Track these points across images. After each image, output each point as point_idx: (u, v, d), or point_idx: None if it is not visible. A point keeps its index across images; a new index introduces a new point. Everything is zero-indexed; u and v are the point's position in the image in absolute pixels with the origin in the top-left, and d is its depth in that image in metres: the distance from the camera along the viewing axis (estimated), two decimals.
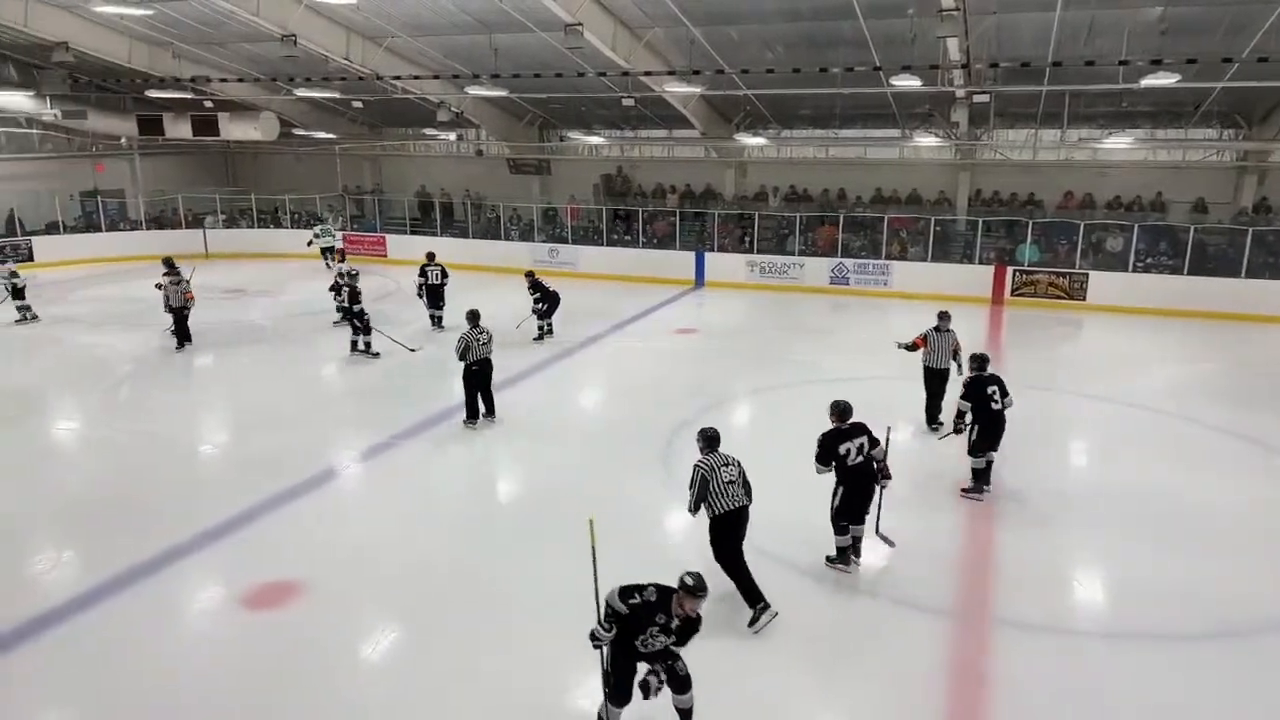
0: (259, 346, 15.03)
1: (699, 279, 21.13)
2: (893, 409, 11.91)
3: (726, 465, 6.54)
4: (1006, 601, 7.06)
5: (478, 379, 10.76)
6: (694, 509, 6.52)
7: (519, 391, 12.53)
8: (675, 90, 18.31)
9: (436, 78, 19.78)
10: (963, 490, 8.85)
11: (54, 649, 6.26)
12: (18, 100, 21.47)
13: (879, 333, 16.50)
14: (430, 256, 16.31)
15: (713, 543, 6.63)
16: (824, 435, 7.28)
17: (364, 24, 17.99)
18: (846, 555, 7.39)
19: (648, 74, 17.59)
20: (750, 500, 6.63)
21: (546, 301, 15.20)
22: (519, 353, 14.36)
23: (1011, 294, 18.99)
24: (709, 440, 6.63)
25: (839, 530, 7.35)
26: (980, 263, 19.56)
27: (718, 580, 6.34)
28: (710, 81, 18.06)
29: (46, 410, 11.85)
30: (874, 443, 7.27)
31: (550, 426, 11.16)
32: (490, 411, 11.00)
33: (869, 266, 20.05)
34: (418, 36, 18.50)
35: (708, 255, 21.29)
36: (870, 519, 7.52)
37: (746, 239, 21.69)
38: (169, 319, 14.73)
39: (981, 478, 8.77)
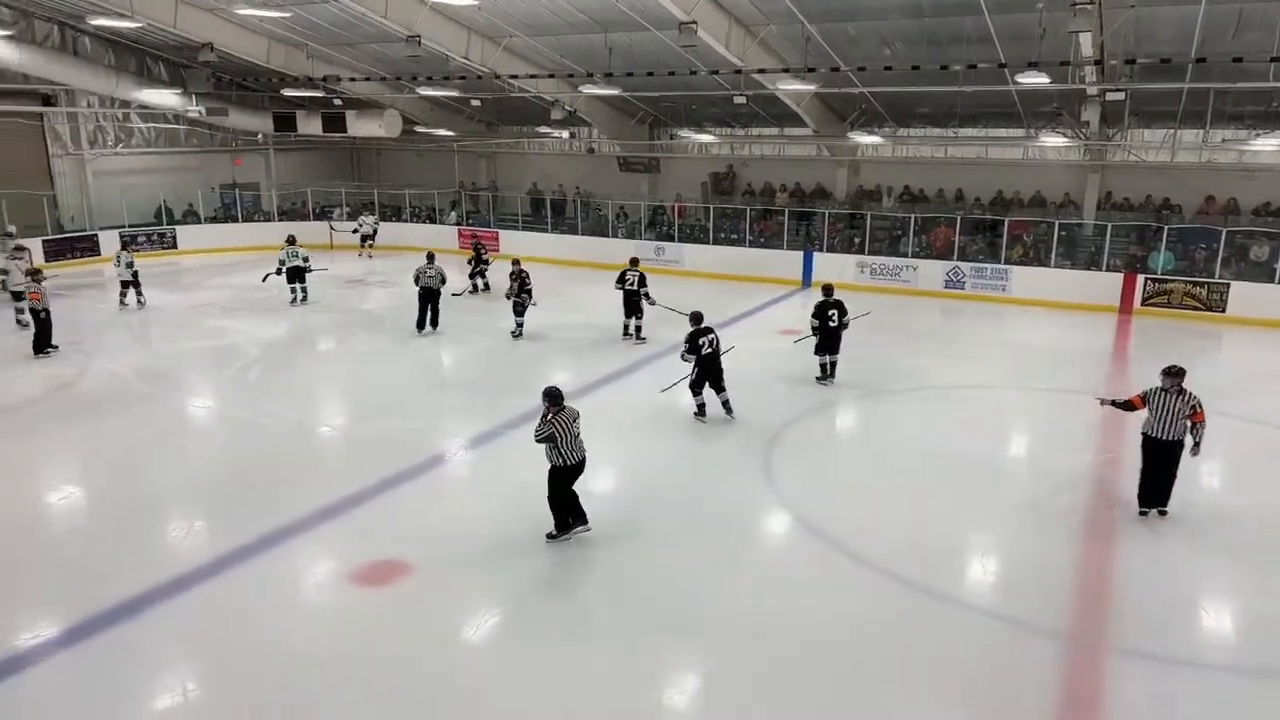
0: (377, 335, 15.64)
1: (806, 279, 20.80)
2: (1003, 419, 11.51)
3: (575, 420, 7.56)
4: (1126, 628, 6.68)
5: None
6: (539, 440, 7.59)
7: (620, 388, 12.63)
8: (789, 88, 18.06)
9: (552, 76, 20.13)
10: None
11: (183, 613, 6.69)
12: (167, 98, 23.07)
13: (994, 339, 15.91)
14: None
15: (552, 487, 7.63)
16: (690, 334, 10.74)
17: (484, 24, 18.47)
18: (702, 412, 10.92)
19: (761, 72, 17.42)
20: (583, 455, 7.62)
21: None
22: (621, 351, 14.46)
23: (1142, 303, 17.91)
24: (554, 398, 7.55)
25: (695, 394, 10.94)
26: (1108, 270, 18.55)
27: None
28: (825, 79, 17.74)
29: (183, 389, 12.67)
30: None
31: (650, 423, 11.19)
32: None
33: (986, 271, 19.30)
34: (535, 36, 18.87)
35: (816, 255, 20.94)
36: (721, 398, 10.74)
37: (857, 239, 21.22)
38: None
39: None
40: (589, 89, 19.90)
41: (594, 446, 10.29)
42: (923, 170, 22.35)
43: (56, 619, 6.53)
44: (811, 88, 18.24)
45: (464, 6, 16.60)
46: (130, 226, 23.50)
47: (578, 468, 7.68)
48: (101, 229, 23.17)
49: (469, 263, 19.22)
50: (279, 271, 17.77)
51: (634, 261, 15.33)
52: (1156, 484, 8.17)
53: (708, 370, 10.77)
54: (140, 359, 14.02)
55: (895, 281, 19.97)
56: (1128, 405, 8.29)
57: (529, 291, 15.13)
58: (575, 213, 25.20)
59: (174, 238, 24.30)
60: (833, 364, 12.61)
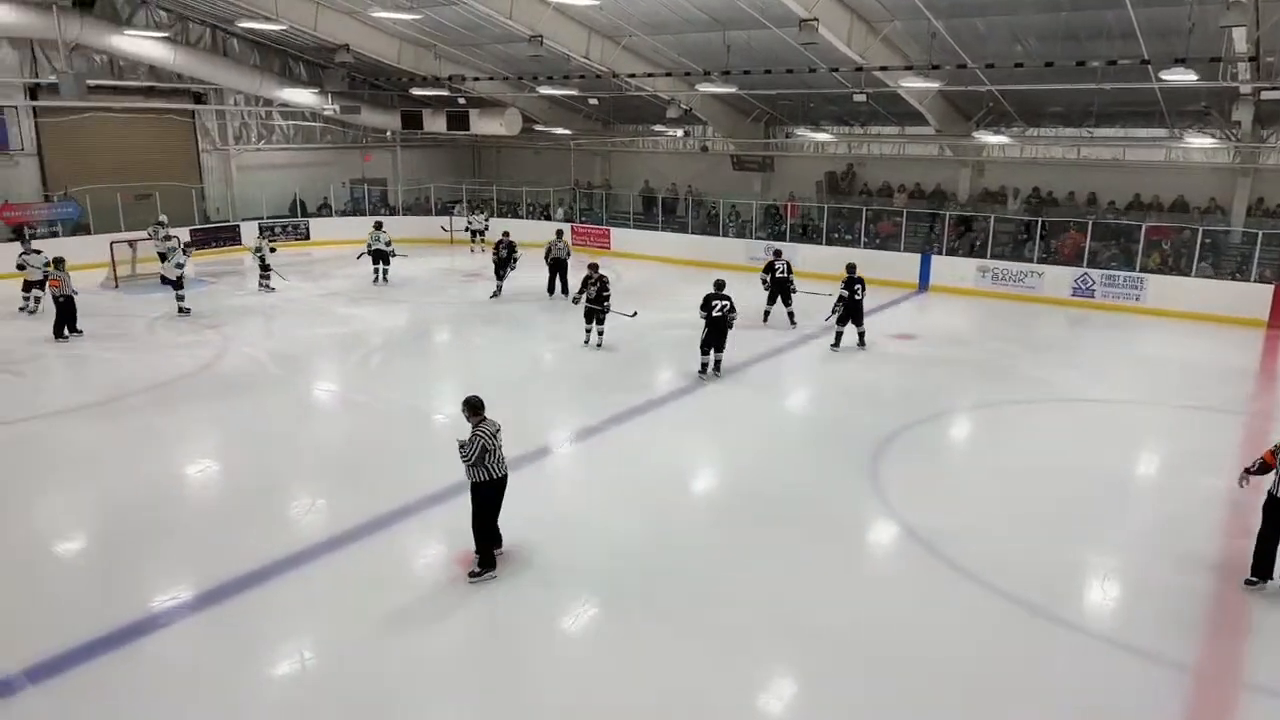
0: (492, 326, 16.07)
1: (923, 282, 20.17)
2: (1132, 436, 10.85)
3: (498, 434, 7.02)
4: (1260, 664, 6.20)
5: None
6: (468, 467, 7.04)
7: (729, 384, 12.58)
8: (911, 86, 17.54)
9: (669, 75, 20.19)
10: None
11: (302, 584, 7.05)
12: (306, 97, 24.41)
13: (1125, 351, 15.04)
14: (560, 234, 18.83)
15: (476, 506, 7.06)
16: (706, 296, 12.37)
17: (604, 23, 18.69)
18: (705, 371, 12.48)
19: (882, 69, 16.98)
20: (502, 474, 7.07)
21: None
22: (733, 346, 14.35)
23: None
24: (474, 408, 7.05)
25: (703, 353, 12.50)
26: (1258, 280, 17.22)
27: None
28: (950, 76, 17.14)
29: (311, 373, 13.35)
30: (732, 306, 12.37)
31: (757, 424, 11.11)
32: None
33: (1119, 279, 18.23)
34: (654, 34, 18.96)
35: (934, 258, 20.27)
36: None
37: (979, 242, 20.43)
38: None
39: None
40: (706, 87, 19.87)
41: (697, 443, 10.38)
42: (1052, 172, 21.31)
43: (189, 583, 7.00)
44: (936, 85, 17.65)
45: (586, 6, 16.84)
46: (268, 218, 24.96)
47: (504, 483, 7.17)
48: (243, 220, 24.69)
49: (493, 259, 18.64)
50: (367, 251, 19.87)
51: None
52: (1267, 545, 6.98)
53: (714, 332, 12.37)
54: (273, 343, 14.85)
55: (1019, 288, 19.13)
56: (1263, 468, 7.00)
57: (515, 259, 17.86)
58: (686, 211, 25.21)
59: (307, 229, 25.63)
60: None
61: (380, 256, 19.85)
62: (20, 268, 16.28)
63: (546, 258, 18.75)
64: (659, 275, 20.73)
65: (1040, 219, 19.83)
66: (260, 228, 22.94)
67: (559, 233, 19.31)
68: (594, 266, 14.41)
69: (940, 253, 20.47)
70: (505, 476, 7.17)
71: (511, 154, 31.12)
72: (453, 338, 15.64)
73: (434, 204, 28.13)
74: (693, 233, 24.32)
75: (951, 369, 13.68)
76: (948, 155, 22.50)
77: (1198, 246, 17.84)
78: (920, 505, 8.61)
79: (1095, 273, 18.44)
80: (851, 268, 14.58)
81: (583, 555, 7.59)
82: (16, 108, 20.62)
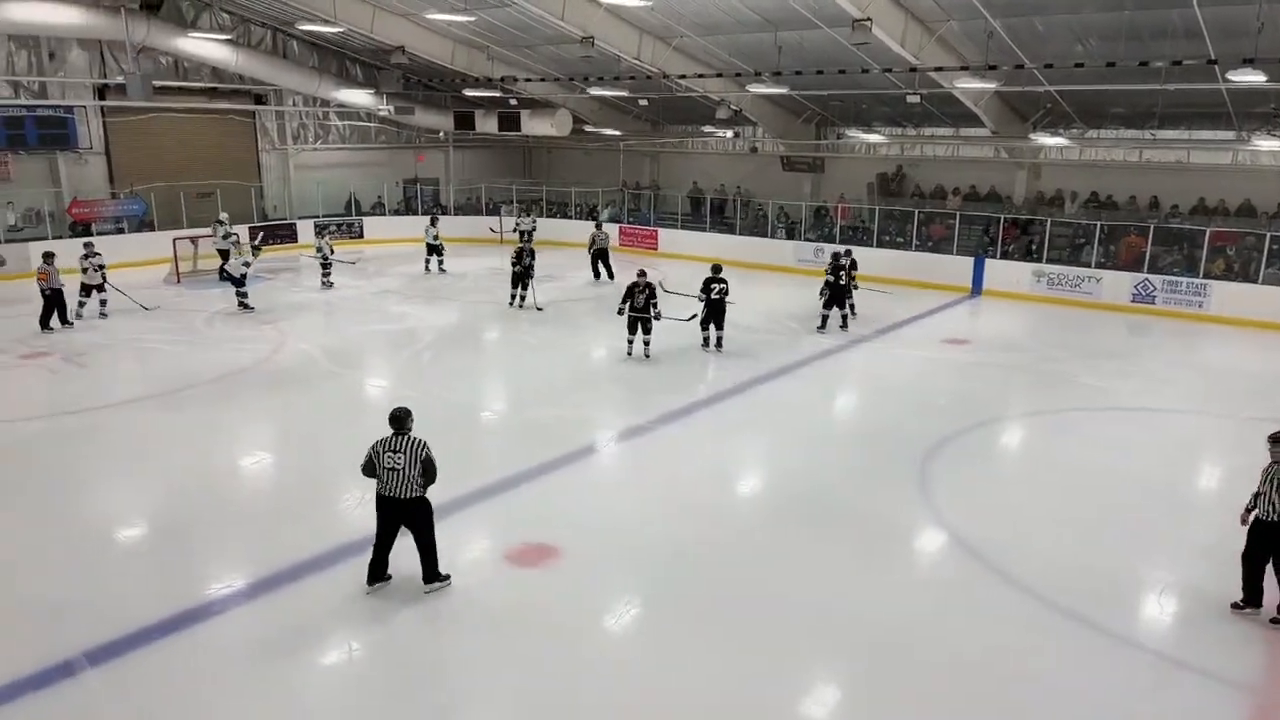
0: (541, 326, 16.18)
1: (976, 286, 19.80)
2: (1194, 448, 10.53)
3: (395, 452, 6.60)
4: None
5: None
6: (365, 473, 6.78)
7: (776, 386, 12.52)
8: (967, 86, 17.23)
9: (719, 76, 20.12)
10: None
11: (352, 575, 7.16)
12: (362, 98, 24.90)
13: (1187, 360, 14.59)
14: (599, 225, 20.85)
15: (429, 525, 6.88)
16: (705, 279, 13.77)
17: (656, 24, 18.69)
18: (707, 345, 13.86)
19: (937, 69, 16.71)
20: (409, 495, 6.62)
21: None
22: (780, 349, 14.30)
23: None
24: (390, 419, 6.75)
25: (703, 329, 13.91)
26: None
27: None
28: (1008, 77, 16.80)
29: (363, 369, 13.60)
30: (728, 289, 13.76)
31: (805, 427, 11.02)
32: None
33: (1181, 285, 17.70)
34: (705, 35, 18.91)
35: (988, 261, 19.89)
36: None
37: (1035, 246, 19.99)
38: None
39: None
40: (756, 88, 19.75)
41: (743, 446, 10.33)
42: (1112, 174, 20.77)
43: (244, 571, 7.16)
44: (992, 86, 17.31)
45: (637, 7, 16.85)
46: (324, 216, 25.45)
47: (388, 505, 6.67)
48: (299, 218, 25.22)
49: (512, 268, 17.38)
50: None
51: (716, 269, 14.22)
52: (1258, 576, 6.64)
53: (712, 312, 13.71)
54: (327, 339, 15.13)
55: (1076, 293, 18.67)
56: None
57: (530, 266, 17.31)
58: (735, 212, 25.10)
59: (361, 228, 26.09)
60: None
61: (432, 250, 21.06)
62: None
63: (590, 249, 20.52)
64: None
65: (1100, 223, 19.33)
66: (319, 227, 23.42)
67: (599, 224, 21.57)
68: (642, 273, 13.88)
69: (994, 256, 20.07)
70: (391, 499, 6.64)
71: (561, 154, 31.30)
72: (502, 336, 15.78)
73: (484, 204, 28.43)
74: (741, 234, 24.21)
75: (1005, 375, 13.41)
76: (1003, 157, 22.06)
77: (1265, 252, 17.23)
78: (970, 513, 8.45)
79: (1157, 278, 17.93)
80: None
81: (626, 555, 7.59)
82: (86, 108, 21.31)
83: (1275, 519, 6.45)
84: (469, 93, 24.31)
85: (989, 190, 22.57)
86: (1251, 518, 6.67)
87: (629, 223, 26.54)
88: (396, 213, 27.59)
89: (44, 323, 14.96)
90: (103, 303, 16.16)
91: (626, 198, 27.96)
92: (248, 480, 9.41)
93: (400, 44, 21.17)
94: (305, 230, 24.49)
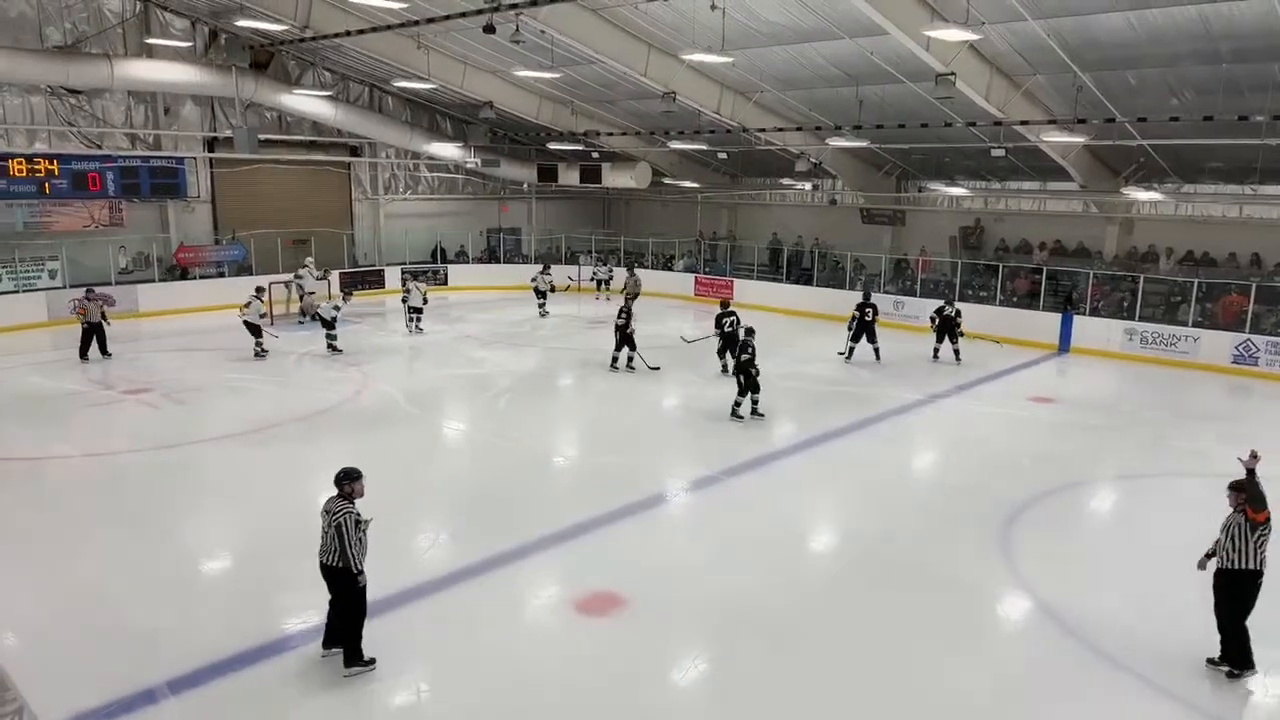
0: (615, 374, 16.29)
1: (1064, 344, 19.15)
2: None
3: (325, 513, 6.34)
4: None
5: None
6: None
7: (852, 441, 12.29)
8: (1054, 140, 16.91)
9: (799, 129, 20.23)
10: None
11: (421, 616, 7.24)
12: (450, 150, 25.84)
13: None
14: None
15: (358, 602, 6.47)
16: (717, 315, 15.19)
17: (737, 79, 18.96)
18: (726, 371, 14.49)
19: (1023, 123, 16.47)
20: (329, 562, 6.28)
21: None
22: (858, 403, 14.05)
23: None
24: (335, 480, 6.41)
25: (720, 357, 15.05)
26: None
27: None
28: (1097, 131, 16.44)
29: (441, 411, 13.89)
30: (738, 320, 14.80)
31: (881, 484, 10.74)
32: None
33: None
34: (785, 90, 19.09)
35: (1076, 318, 19.25)
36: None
37: (1126, 303, 19.29)
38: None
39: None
40: (836, 141, 19.78)
41: (817, 499, 10.12)
42: (1210, 231, 19.96)
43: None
44: (1081, 140, 16.95)
45: (719, 64, 17.14)
46: (411, 263, 26.33)
47: (331, 574, 6.35)
48: (388, 265, 26.16)
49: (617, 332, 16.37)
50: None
51: (725, 303, 16.45)
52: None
53: (728, 342, 14.36)
54: (409, 382, 15.55)
55: (1171, 353, 17.89)
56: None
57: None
58: (812, 264, 24.98)
59: (445, 275, 26.88)
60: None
61: (539, 294, 22.22)
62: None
63: (623, 290, 23.00)
64: (782, 327, 20.53)
65: (1197, 280, 18.56)
66: (416, 273, 24.22)
67: (631, 270, 24.23)
68: (725, 303, 16.30)
69: (1083, 313, 19.43)
70: (322, 565, 6.36)
71: (640, 206, 31.79)
72: (577, 382, 15.94)
73: (564, 253, 28.99)
74: (818, 285, 24.04)
75: (1094, 436, 12.87)
76: (1092, 211, 21.47)
77: None
78: (1056, 580, 8.07)
79: (1260, 339, 17.04)
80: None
81: (693, 607, 7.48)
82: (196, 159, 22.69)
83: (1229, 566, 6.40)
84: (552, 146, 25.03)
85: (1077, 245, 21.95)
86: (1212, 564, 6.60)
87: (705, 273, 26.65)
88: (480, 260, 28.37)
89: (83, 353, 16.08)
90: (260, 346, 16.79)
91: (703, 248, 28.14)
92: None
93: (489, 99, 21.98)
94: (393, 276, 25.36)
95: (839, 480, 10.90)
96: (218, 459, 11.26)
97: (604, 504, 9.55)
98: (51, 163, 19.84)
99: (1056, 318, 19.40)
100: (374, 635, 6.88)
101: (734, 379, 13.31)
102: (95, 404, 13.51)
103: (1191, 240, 20.22)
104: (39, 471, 10.62)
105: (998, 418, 13.77)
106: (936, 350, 17.52)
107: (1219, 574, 6.53)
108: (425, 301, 19.74)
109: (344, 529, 6.20)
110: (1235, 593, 6.43)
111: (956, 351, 17.26)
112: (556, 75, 18.88)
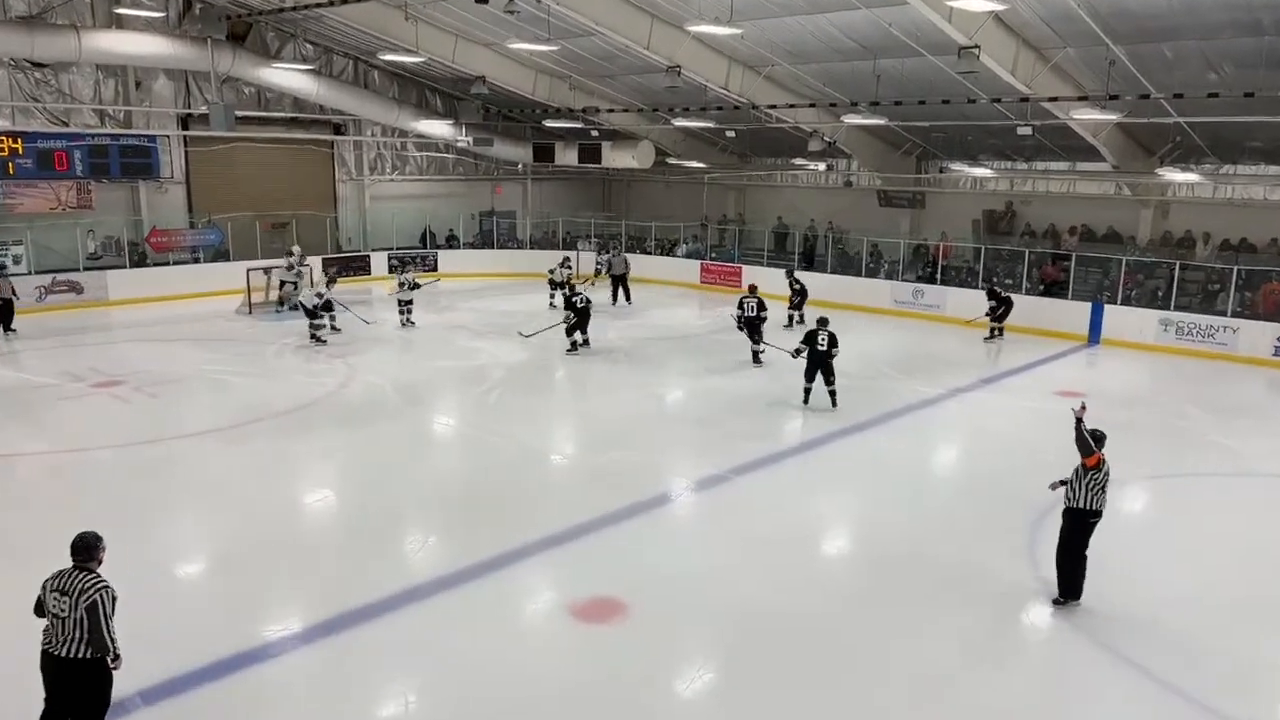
0: (614, 366, 16.29)
1: (1094, 334, 19.12)
2: None
3: (61, 593, 5.15)
4: None
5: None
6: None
7: (870, 437, 12.33)
8: (1084, 118, 16.84)
9: (813, 106, 20.17)
10: None
11: (411, 624, 7.25)
12: (440, 128, 25.82)
13: None
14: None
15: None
16: (740, 299, 15.51)
17: (746, 53, 18.90)
18: (805, 398, 13.23)
19: (1052, 100, 16.41)
20: (69, 654, 5.15)
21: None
22: (876, 397, 14.04)
23: None
24: (71, 547, 5.31)
25: (808, 380, 13.29)
26: None
27: None
28: (1131, 107, 16.37)
29: (430, 406, 13.89)
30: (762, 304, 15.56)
31: (901, 482, 10.73)
32: None
33: None
34: (798, 64, 19.02)
35: (1107, 308, 19.22)
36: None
37: (1161, 292, 19.26)
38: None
39: None
40: (852, 119, 19.72)
41: (833, 499, 10.13)
42: (1251, 215, 19.90)
43: (300, 615, 7.33)
44: (1113, 117, 16.88)
45: (728, 36, 17.08)
46: (398, 249, 26.32)
47: (44, 659, 5.26)
48: (373, 250, 26.15)
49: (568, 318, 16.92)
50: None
51: (753, 289, 16.80)
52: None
53: (813, 363, 13.23)
54: (397, 374, 15.53)
55: (1208, 344, 17.86)
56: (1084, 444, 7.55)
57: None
58: (826, 249, 24.93)
59: (435, 261, 26.89)
60: (756, 354, 16.00)
61: (556, 285, 21.53)
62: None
63: (608, 273, 23.13)
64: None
65: (1237, 267, 18.52)
66: (404, 259, 24.18)
67: (617, 250, 24.62)
68: (753, 288, 16.77)
69: (1114, 302, 19.40)
70: (45, 652, 5.23)
71: (642, 187, 31.75)
72: (575, 374, 15.94)
73: (562, 238, 28.95)
74: (831, 272, 24.00)
75: (1125, 433, 12.80)
76: (1125, 194, 21.42)
77: None
78: (1086, 585, 8.06)
79: None
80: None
81: (699, 615, 7.49)
82: (169, 137, 22.62)
83: (1071, 506, 7.49)
84: (549, 124, 24.94)
85: (1108, 230, 21.91)
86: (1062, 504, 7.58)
87: (711, 259, 26.63)
88: (471, 246, 28.35)
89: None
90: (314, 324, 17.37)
91: (709, 233, 28.10)
92: (311, 518, 9.69)
93: (481, 74, 21.93)
94: (379, 262, 25.37)
95: (856, 479, 10.90)
96: (194, 456, 11.26)
97: (604, 504, 9.55)
98: (15, 141, 19.77)
99: (1086, 307, 19.38)
100: (358, 644, 6.90)
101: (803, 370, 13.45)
102: (65, 397, 13.51)
103: (1230, 225, 20.16)
104: (7, 469, 10.65)
105: (1024, 412, 13.76)
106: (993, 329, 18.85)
107: (1064, 513, 7.60)
108: (416, 287, 19.54)
109: (101, 608, 5.12)
110: (1075, 527, 7.49)
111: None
112: (554, 48, 18.80)
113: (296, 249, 21.62)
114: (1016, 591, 7.99)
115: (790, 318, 19.71)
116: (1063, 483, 7.62)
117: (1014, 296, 19.36)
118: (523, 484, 10.42)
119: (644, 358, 16.92)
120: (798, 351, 13.54)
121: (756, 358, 16.09)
